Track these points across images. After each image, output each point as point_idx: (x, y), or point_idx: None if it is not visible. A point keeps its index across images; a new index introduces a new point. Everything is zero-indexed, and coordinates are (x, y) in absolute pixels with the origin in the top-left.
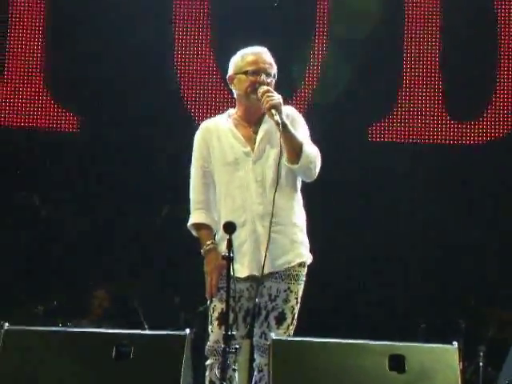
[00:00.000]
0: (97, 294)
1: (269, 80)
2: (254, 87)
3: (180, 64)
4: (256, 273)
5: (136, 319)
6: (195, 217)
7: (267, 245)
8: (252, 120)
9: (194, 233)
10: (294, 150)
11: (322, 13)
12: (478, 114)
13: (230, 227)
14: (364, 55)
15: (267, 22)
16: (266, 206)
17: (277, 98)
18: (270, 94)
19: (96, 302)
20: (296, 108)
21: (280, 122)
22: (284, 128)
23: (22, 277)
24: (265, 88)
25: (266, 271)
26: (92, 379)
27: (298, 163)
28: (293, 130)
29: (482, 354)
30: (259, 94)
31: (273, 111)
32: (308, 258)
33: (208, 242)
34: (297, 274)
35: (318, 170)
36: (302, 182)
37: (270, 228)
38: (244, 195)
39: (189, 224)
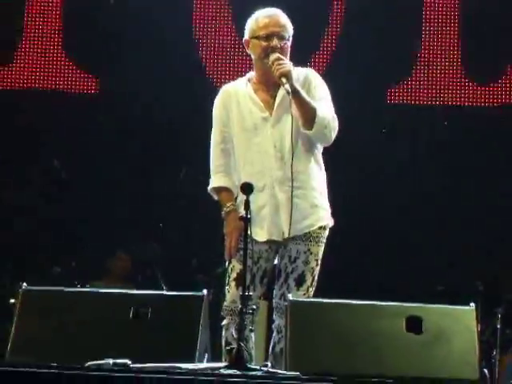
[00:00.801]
0: (115, 257)
1: (282, 43)
2: (266, 53)
3: (199, 25)
4: (275, 237)
5: (154, 281)
6: (215, 180)
7: (290, 210)
8: (270, 84)
9: (214, 196)
10: (308, 116)
11: None
12: (496, 77)
13: (247, 188)
14: (383, 16)
15: None
16: (286, 171)
17: (287, 65)
18: (279, 62)
19: (114, 264)
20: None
21: (290, 90)
22: (295, 94)
23: (41, 239)
24: (275, 56)
25: (286, 235)
26: (109, 340)
27: (311, 129)
28: (305, 96)
29: (499, 315)
30: (270, 62)
31: (283, 79)
32: (329, 221)
33: (228, 204)
34: (317, 236)
35: (334, 134)
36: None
37: (291, 193)
38: (263, 160)
39: (209, 188)
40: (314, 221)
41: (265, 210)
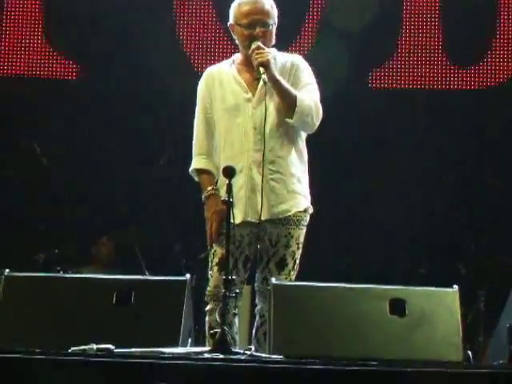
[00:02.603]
0: (98, 242)
1: (266, 29)
2: (248, 41)
3: (179, 10)
4: (250, 219)
5: (137, 266)
6: (196, 162)
7: (266, 192)
8: (254, 66)
9: (195, 178)
10: (288, 105)
11: None
12: (477, 60)
13: (229, 171)
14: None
15: None
16: (264, 153)
17: (266, 54)
18: (258, 52)
19: (97, 249)
20: (296, 53)
21: (266, 80)
22: (274, 84)
23: (22, 225)
24: (255, 45)
25: (263, 218)
26: (93, 324)
27: (292, 117)
28: (285, 85)
29: (482, 298)
30: (250, 51)
31: (260, 69)
32: (307, 207)
33: (209, 188)
34: (298, 220)
35: (317, 122)
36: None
37: (262, 174)
38: (242, 141)
39: (190, 169)
40: (291, 206)
41: (241, 192)
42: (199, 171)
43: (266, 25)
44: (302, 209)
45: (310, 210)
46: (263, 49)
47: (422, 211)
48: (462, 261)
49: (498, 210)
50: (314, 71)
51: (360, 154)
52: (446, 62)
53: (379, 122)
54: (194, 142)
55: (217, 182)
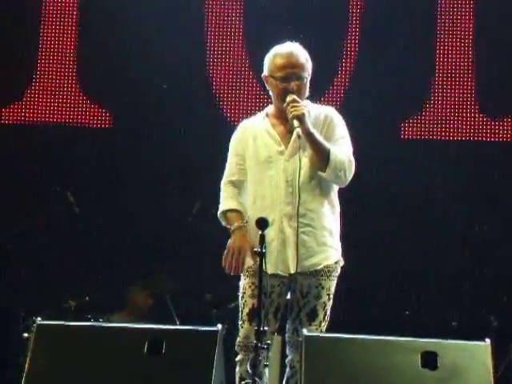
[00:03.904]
0: (132, 289)
1: (300, 82)
2: (283, 94)
3: (213, 62)
4: (281, 272)
5: (168, 316)
6: (225, 204)
7: (296, 245)
8: (288, 118)
9: (223, 222)
10: (321, 159)
11: (356, 6)
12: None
13: (262, 223)
14: (396, 51)
15: (301, 11)
16: (295, 206)
17: (301, 108)
18: (294, 105)
19: (130, 296)
20: (328, 104)
21: (300, 134)
22: (308, 137)
23: (55, 272)
24: (290, 98)
25: (292, 271)
26: (124, 375)
27: (325, 171)
28: (319, 138)
29: None
30: (285, 104)
31: (295, 123)
32: (337, 260)
33: (238, 221)
34: (328, 271)
35: (349, 176)
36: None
37: (298, 229)
38: (274, 194)
39: (219, 212)
40: (321, 259)
41: (272, 245)
42: (227, 212)
43: (300, 78)
44: (332, 262)
45: (341, 263)
46: (298, 102)
47: (454, 263)
48: (494, 312)
49: None
50: (346, 123)
51: (390, 205)
52: (478, 112)
53: (411, 174)
54: (221, 190)
55: (246, 222)
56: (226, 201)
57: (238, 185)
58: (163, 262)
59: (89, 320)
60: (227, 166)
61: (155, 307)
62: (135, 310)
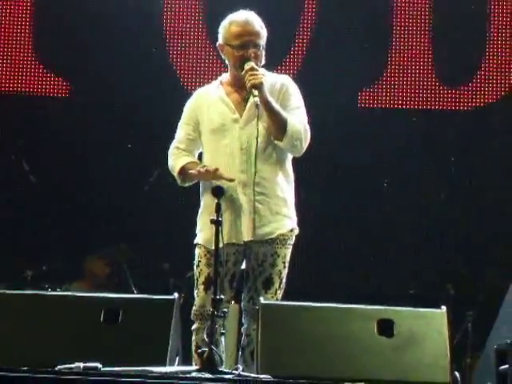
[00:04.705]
0: (89, 259)
1: (257, 50)
2: (240, 62)
3: (169, 28)
4: (234, 240)
5: (125, 284)
6: (180, 161)
7: (250, 214)
8: (244, 86)
9: (184, 181)
10: (278, 128)
11: None
12: (466, 81)
13: (218, 191)
14: (353, 20)
15: None
16: (250, 175)
17: (260, 76)
18: (252, 73)
19: (88, 267)
20: (285, 73)
21: (258, 103)
22: (266, 106)
23: (12, 242)
24: (248, 66)
25: (246, 239)
26: (80, 342)
27: (282, 140)
28: (276, 107)
29: (470, 319)
30: (243, 72)
31: (254, 91)
32: (292, 228)
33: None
34: (284, 239)
35: (305, 145)
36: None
37: (253, 197)
38: (228, 163)
39: (176, 172)
40: (274, 228)
41: (227, 213)
42: (187, 165)
43: (257, 45)
44: (286, 230)
45: (296, 231)
46: (256, 70)
47: (412, 232)
48: (451, 281)
49: (487, 231)
50: (301, 92)
51: (347, 175)
52: (436, 81)
53: (369, 142)
54: (169, 156)
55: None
56: (180, 160)
57: (184, 152)
58: (121, 231)
59: (46, 289)
60: (177, 132)
61: (113, 276)
62: (93, 279)
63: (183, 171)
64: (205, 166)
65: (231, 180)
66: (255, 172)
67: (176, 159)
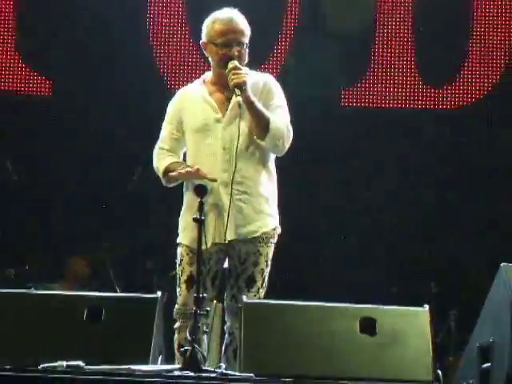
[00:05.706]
0: (72, 258)
1: (241, 48)
2: (224, 61)
3: (153, 26)
4: (218, 240)
5: (108, 283)
6: (165, 162)
7: (232, 213)
8: (227, 85)
9: (169, 182)
10: (261, 127)
11: None
12: (449, 80)
13: (201, 190)
14: (337, 19)
15: None
16: (232, 174)
17: (243, 76)
18: (235, 72)
19: (71, 265)
20: (268, 72)
21: (241, 102)
22: (249, 106)
23: None
24: (232, 65)
25: (229, 238)
26: (63, 341)
27: (264, 140)
28: (259, 107)
29: (453, 317)
30: (226, 71)
31: (236, 91)
32: (275, 227)
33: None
34: (266, 237)
35: (287, 145)
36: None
37: (235, 196)
38: (211, 162)
39: (161, 173)
40: (258, 227)
41: (210, 215)
42: (171, 164)
43: (241, 44)
44: (269, 229)
45: (278, 230)
46: (240, 69)
47: (395, 230)
48: (434, 279)
49: (471, 230)
50: (284, 91)
51: (331, 174)
52: (418, 81)
53: (352, 141)
54: (154, 156)
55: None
56: (163, 161)
57: (169, 152)
58: (104, 229)
59: (29, 288)
60: (161, 133)
61: (96, 275)
62: (76, 279)
63: (167, 172)
64: (186, 166)
65: (214, 180)
66: (234, 171)
67: (160, 160)
